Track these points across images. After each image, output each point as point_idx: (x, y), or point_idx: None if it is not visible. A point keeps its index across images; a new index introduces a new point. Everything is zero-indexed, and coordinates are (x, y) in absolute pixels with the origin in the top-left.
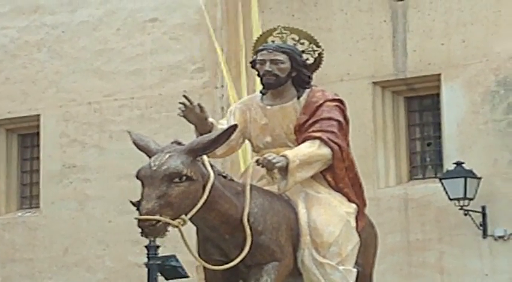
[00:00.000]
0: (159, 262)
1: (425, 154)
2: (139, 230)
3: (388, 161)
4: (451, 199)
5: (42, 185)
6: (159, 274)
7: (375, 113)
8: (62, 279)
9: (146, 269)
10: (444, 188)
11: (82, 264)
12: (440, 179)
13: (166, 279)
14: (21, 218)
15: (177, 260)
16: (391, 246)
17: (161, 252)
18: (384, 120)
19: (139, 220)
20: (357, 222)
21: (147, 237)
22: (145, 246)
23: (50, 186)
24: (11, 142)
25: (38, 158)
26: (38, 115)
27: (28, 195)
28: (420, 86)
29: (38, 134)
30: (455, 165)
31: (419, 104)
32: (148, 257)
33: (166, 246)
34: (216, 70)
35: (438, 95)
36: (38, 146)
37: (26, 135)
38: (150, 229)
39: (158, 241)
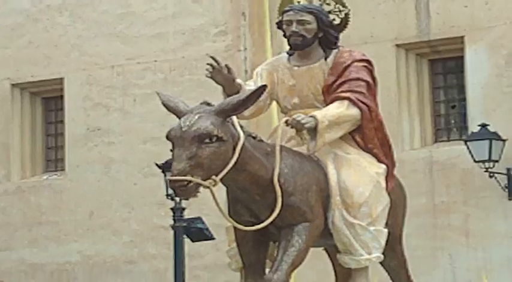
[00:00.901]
0: (185, 224)
1: (449, 117)
2: (173, 191)
3: (413, 123)
4: (476, 161)
5: (67, 149)
6: (185, 236)
7: (399, 75)
8: (88, 242)
9: (172, 231)
10: (469, 150)
11: (107, 227)
12: (465, 141)
13: (193, 241)
14: (47, 181)
15: (203, 222)
16: (416, 209)
17: (187, 215)
18: (408, 82)
19: (170, 181)
20: (386, 183)
21: (179, 197)
22: (171, 209)
23: (74, 149)
24: (35, 106)
25: (62, 121)
26: (62, 78)
27: (53, 159)
28: (444, 49)
29: (61, 97)
30: (480, 127)
31: (443, 66)
32: (174, 219)
33: (192, 208)
34: (239, 33)
35: (462, 57)
36: (62, 109)
37: (50, 99)
38: (182, 190)
39: (184, 203)
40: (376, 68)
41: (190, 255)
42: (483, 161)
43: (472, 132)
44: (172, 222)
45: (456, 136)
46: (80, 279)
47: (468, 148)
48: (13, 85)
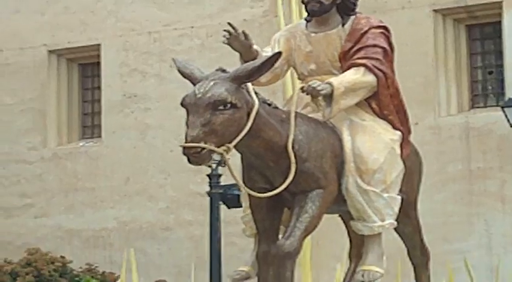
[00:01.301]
0: (221, 191)
1: (486, 82)
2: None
3: (450, 89)
4: None
5: (104, 115)
6: (221, 203)
7: (436, 41)
8: (124, 208)
9: (208, 198)
10: (506, 116)
11: (143, 194)
12: (502, 107)
13: (228, 207)
14: (83, 147)
15: (238, 189)
16: (452, 175)
17: (223, 181)
18: (445, 48)
19: (184, 148)
20: (401, 149)
21: (192, 164)
22: (207, 175)
23: (111, 116)
24: (72, 72)
25: (98, 87)
26: (98, 45)
27: (90, 125)
28: (481, 14)
29: (98, 63)
30: None
31: (481, 32)
32: (210, 186)
33: (228, 175)
34: None
35: (500, 23)
36: (99, 75)
37: (87, 65)
38: (195, 156)
39: (220, 170)
40: (413, 33)
41: (226, 222)
42: None
43: (509, 98)
44: (208, 188)
45: (493, 102)
46: (115, 245)
47: (505, 114)
48: (50, 51)
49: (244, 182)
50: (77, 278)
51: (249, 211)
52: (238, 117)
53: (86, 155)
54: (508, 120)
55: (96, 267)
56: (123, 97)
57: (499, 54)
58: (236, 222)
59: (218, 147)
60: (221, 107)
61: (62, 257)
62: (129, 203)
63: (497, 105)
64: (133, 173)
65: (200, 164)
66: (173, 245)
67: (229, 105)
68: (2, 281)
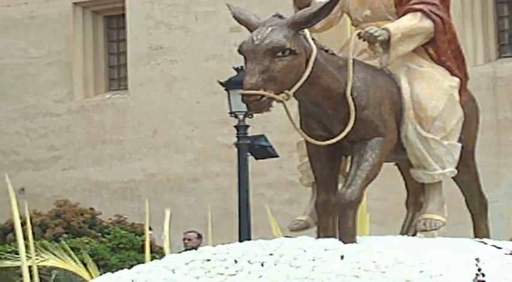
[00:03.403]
0: (248, 142)
1: None
2: (245, 105)
3: (476, 39)
4: None
5: (130, 67)
6: (248, 154)
7: None
8: (151, 160)
9: (236, 149)
10: None
11: (171, 145)
12: None
13: (256, 158)
14: (110, 99)
15: (266, 140)
16: (480, 125)
17: (250, 132)
18: None
19: (243, 95)
20: (460, 96)
21: (251, 112)
22: (235, 126)
23: (137, 68)
24: (97, 24)
25: (124, 39)
26: None
27: (116, 78)
28: None
29: (123, 15)
30: None
31: None
32: (237, 137)
33: (256, 126)
34: None
35: None
36: (124, 27)
37: (112, 17)
38: (255, 104)
39: (247, 121)
40: None
41: (254, 173)
42: None
43: None
44: (235, 139)
45: None
46: (143, 197)
47: None
48: (75, 4)
49: (302, 130)
50: (106, 230)
51: (306, 160)
52: (297, 64)
53: (113, 107)
54: None
55: (125, 218)
56: (149, 49)
57: None
58: (263, 173)
59: (277, 94)
60: (280, 54)
61: (91, 208)
62: (156, 155)
63: None
64: (160, 125)
65: (260, 112)
66: (201, 196)
67: (287, 51)
68: (33, 232)
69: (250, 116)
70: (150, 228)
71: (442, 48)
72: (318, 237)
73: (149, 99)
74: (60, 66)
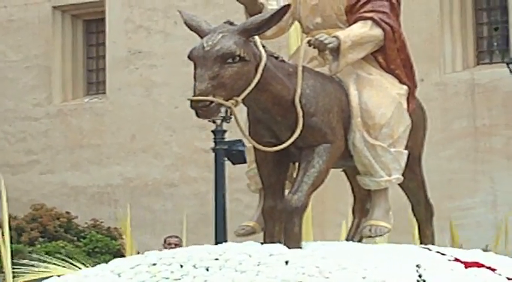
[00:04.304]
0: (225, 147)
1: (492, 39)
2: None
3: (455, 45)
4: None
5: (108, 71)
6: (225, 159)
7: None
8: (130, 165)
9: (213, 154)
10: (511, 73)
11: (149, 150)
12: (508, 64)
13: (233, 163)
14: (88, 104)
15: (243, 145)
16: (458, 132)
17: (228, 137)
18: (451, 4)
19: (192, 101)
20: (408, 104)
21: (200, 118)
22: (212, 131)
23: (116, 72)
24: (76, 28)
25: (103, 43)
26: (103, 1)
27: (94, 82)
28: None
29: (103, 19)
30: None
31: None
32: (215, 142)
33: (233, 131)
34: None
35: None
36: (103, 31)
37: (91, 21)
38: (204, 110)
39: (225, 126)
40: None
41: (231, 178)
42: None
43: None
44: (213, 144)
45: (498, 58)
46: (121, 201)
47: (510, 70)
48: (54, 7)
49: (250, 136)
50: (82, 234)
51: (254, 166)
52: (247, 71)
53: (91, 112)
54: None
55: (101, 222)
56: (128, 53)
57: (505, 10)
58: (241, 178)
59: (226, 100)
60: (230, 60)
61: (67, 212)
62: (134, 160)
63: (502, 62)
64: (138, 130)
65: (208, 118)
66: (178, 201)
67: (237, 58)
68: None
69: (228, 121)
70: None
71: (391, 57)
72: (265, 242)
73: (128, 104)
74: (39, 70)
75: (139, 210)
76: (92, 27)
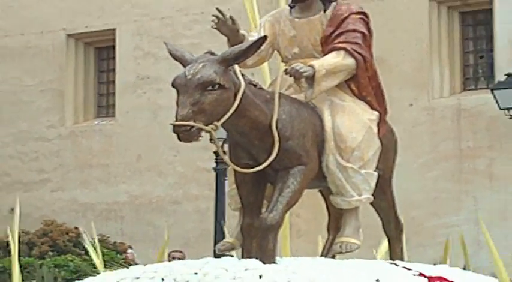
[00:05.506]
0: (226, 167)
1: (477, 66)
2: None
3: (443, 72)
4: (501, 109)
5: (118, 95)
6: (226, 178)
7: (431, 27)
8: (135, 184)
9: (214, 174)
10: (495, 98)
11: (154, 169)
12: (492, 90)
13: None
14: (98, 126)
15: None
16: (444, 154)
17: None
18: (439, 34)
19: (174, 126)
20: (378, 128)
21: (182, 141)
22: (214, 152)
23: (125, 96)
24: (88, 55)
25: (113, 69)
26: (114, 29)
27: (104, 105)
28: (474, 1)
29: (113, 47)
30: (506, 76)
31: (473, 18)
32: (216, 162)
33: None
34: None
35: (491, 10)
36: (114, 58)
37: (102, 49)
38: (185, 134)
39: (226, 147)
40: (409, 19)
41: None
42: (508, 109)
43: (499, 81)
44: (214, 164)
45: (483, 85)
46: (127, 218)
47: (494, 96)
48: (68, 35)
49: (230, 159)
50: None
51: (234, 186)
52: (226, 98)
53: (101, 133)
54: (497, 102)
55: (107, 238)
56: (136, 79)
57: (490, 39)
58: None
59: (206, 125)
60: (210, 88)
61: (76, 228)
62: (140, 179)
63: (487, 88)
64: (144, 151)
65: (189, 141)
66: (180, 217)
67: (217, 86)
68: (19, 250)
69: (194, 140)
70: (130, 247)
71: (363, 84)
72: (242, 257)
73: (135, 126)
74: (53, 93)
75: (143, 226)
76: (103, 54)
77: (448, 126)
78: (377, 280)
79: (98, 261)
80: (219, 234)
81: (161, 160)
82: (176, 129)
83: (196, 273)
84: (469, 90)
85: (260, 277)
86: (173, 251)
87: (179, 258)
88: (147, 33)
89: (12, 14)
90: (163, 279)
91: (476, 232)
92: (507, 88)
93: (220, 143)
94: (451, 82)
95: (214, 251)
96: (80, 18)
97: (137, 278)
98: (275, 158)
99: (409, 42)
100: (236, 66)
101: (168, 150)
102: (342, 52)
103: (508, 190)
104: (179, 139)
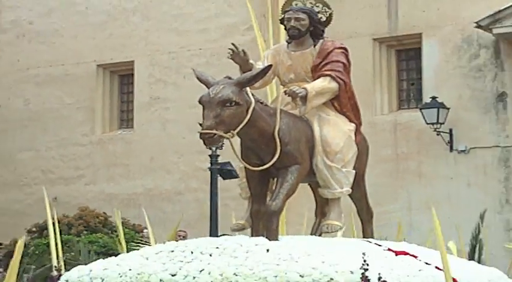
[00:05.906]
0: (218, 167)
1: (410, 91)
2: (202, 141)
3: (383, 95)
4: (427, 123)
5: (136, 112)
6: (218, 175)
7: (374, 61)
8: (149, 179)
9: (209, 172)
10: (423, 116)
11: (163, 169)
12: (420, 109)
13: (224, 179)
14: (120, 135)
15: (231, 165)
16: (384, 157)
17: (220, 160)
18: (381, 66)
19: (201, 133)
20: (355, 137)
21: (207, 146)
22: (209, 155)
23: (141, 112)
24: (113, 81)
25: (132, 92)
26: (133, 61)
27: (125, 119)
28: (407, 42)
29: (132, 74)
30: (431, 99)
31: (406, 54)
32: (211, 163)
33: (224, 155)
34: (261, 29)
35: (420, 48)
36: (133, 83)
37: (124, 76)
38: (209, 140)
39: (218, 152)
40: (357, 55)
41: (222, 189)
42: (433, 123)
43: (426, 102)
44: (209, 165)
45: (414, 105)
46: (143, 205)
47: (422, 114)
48: (98, 65)
49: (242, 159)
50: (114, 228)
51: (245, 180)
52: (240, 112)
53: (123, 141)
54: (424, 118)
55: (128, 220)
56: (150, 99)
57: (419, 71)
58: (229, 189)
59: (226, 133)
60: (228, 104)
61: (104, 213)
62: (152, 175)
63: (416, 108)
64: (156, 154)
65: (213, 146)
66: (184, 205)
67: (234, 103)
68: (61, 230)
69: (220, 148)
70: (145, 228)
71: (343, 103)
72: (252, 236)
73: (148, 135)
74: (86, 110)
75: (155, 212)
76: (124, 80)
77: (387, 136)
78: (363, 253)
79: (121, 236)
80: (213, 218)
81: (168, 161)
82: (202, 136)
83: (217, 248)
84: (403, 109)
85: (267, 251)
86: (179, 230)
87: (183, 237)
88: (158, 64)
89: (54, 48)
90: (192, 252)
91: (409, 217)
92: (432, 108)
93: (214, 149)
94: (389, 103)
95: (210, 231)
96: (106, 52)
97: (172, 251)
98: (277, 159)
99: (357, 73)
100: (248, 88)
101: (174, 154)
102: (328, 78)
103: (433, 185)
104: (204, 144)
